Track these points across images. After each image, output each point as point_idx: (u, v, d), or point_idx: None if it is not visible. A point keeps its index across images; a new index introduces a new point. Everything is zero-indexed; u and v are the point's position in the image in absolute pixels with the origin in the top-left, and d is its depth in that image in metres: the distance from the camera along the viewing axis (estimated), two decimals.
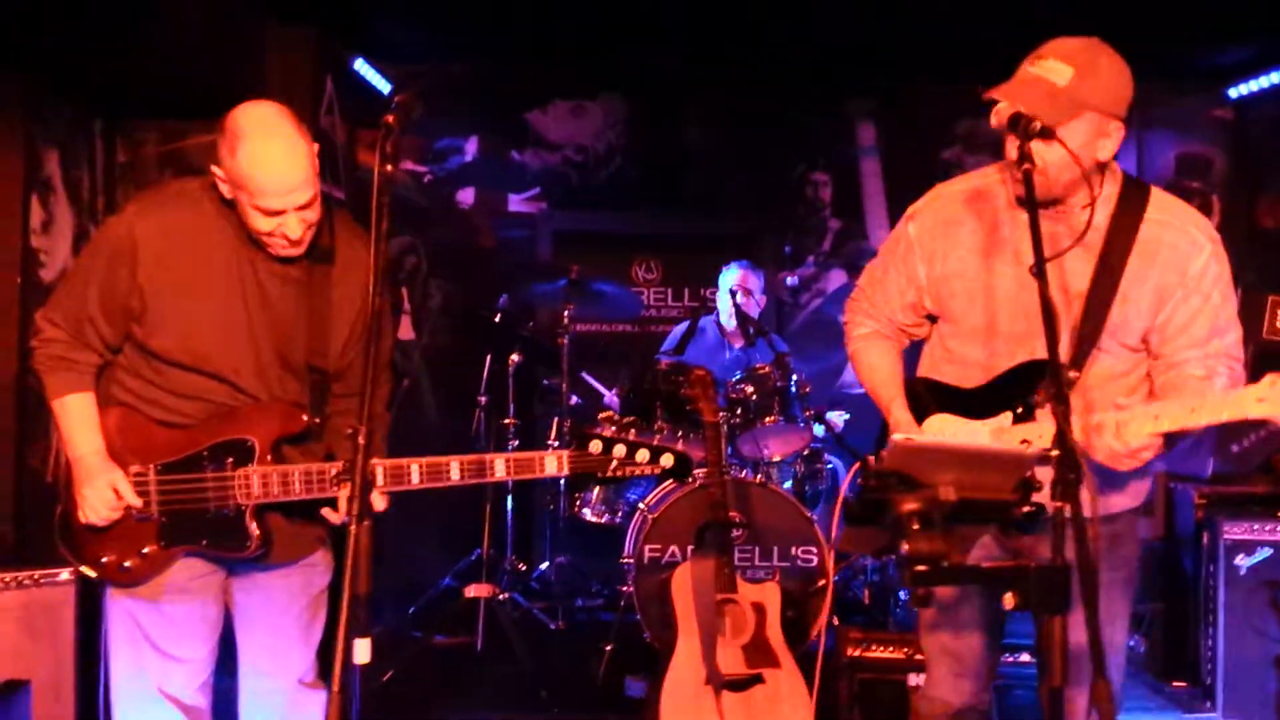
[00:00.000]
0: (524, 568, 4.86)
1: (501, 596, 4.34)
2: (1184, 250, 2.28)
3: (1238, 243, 5.68)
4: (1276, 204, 5.61)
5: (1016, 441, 2.24)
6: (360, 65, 5.11)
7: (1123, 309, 2.28)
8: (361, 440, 1.76)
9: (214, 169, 2.32)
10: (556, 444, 4.53)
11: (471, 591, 4.19)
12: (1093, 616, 1.60)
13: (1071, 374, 2.27)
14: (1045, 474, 1.71)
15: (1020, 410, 2.29)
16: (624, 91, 5.82)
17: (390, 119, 1.93)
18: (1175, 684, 4.13)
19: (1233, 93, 5.51)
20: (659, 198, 5.81)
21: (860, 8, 4.66)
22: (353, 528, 1.70)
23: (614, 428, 2.39)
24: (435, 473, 2.37)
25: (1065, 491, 1.62)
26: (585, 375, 5.03)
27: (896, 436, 1.70)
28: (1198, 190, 5.73)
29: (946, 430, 2.35)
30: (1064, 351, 2.26)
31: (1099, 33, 2.24)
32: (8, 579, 3.48)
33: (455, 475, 2.38)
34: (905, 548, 1.61)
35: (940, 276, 2.43)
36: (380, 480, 2.31)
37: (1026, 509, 1.72)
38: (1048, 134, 2.04)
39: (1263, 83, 5.38)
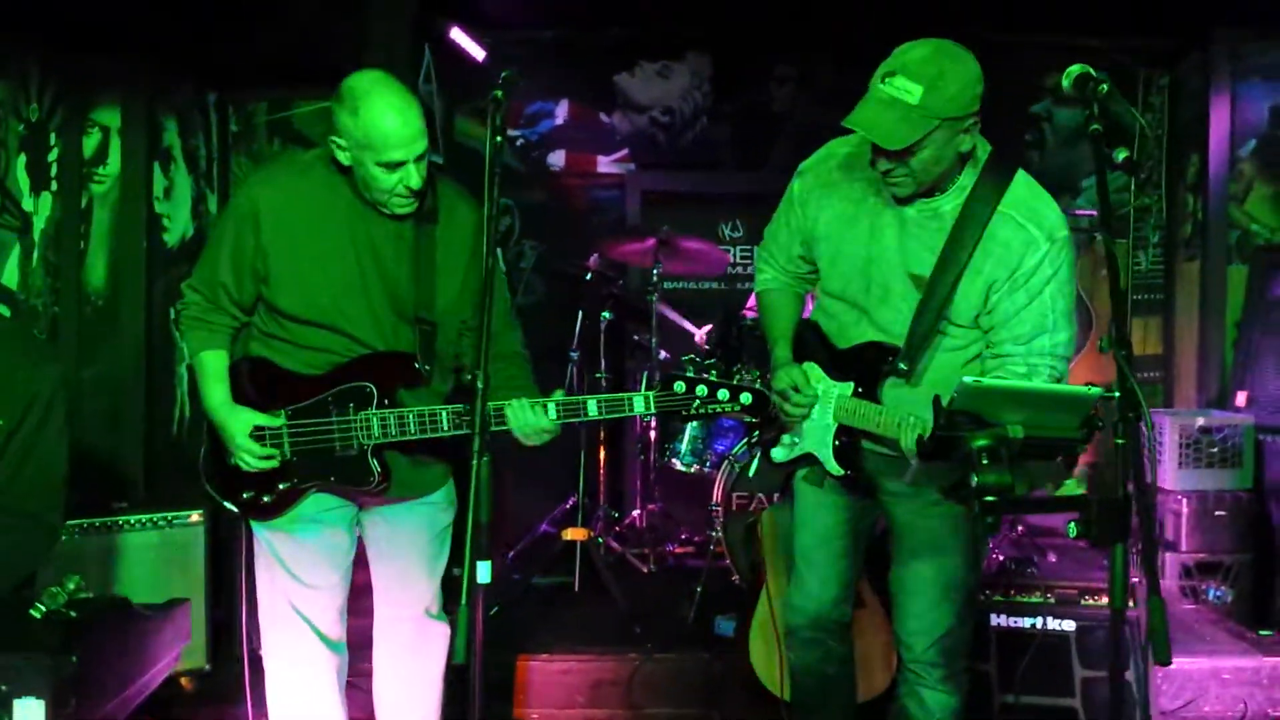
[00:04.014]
0: (617, 514, 5.06)
1: (598, 540, 4.55)
2: (1017, 248, 2.38)
3: None
4: None
5: (851, 410, 2.51)
6: (456, 34, 5.29)
7: (958, 298, 2.44)
8: (480, 385, 1.97)
9: (333, 139, 2.51)
10: None
11: (569, 535, 4.41)
12: (1150, 547, 1.73)
13: (901, 366, 2.50)
14: None
15: (861, 390, 2.54)
16: (710, 51, 5.91)
17: (499, 94, 2.11)
18: (1261, 632, 4.17)
19: None
20: (745, 157, 5.91)
21: None
22: (474, 462, 1.90)
23: (695, 370, 2.58)
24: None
25: (1126, 429, 1.75)
26: (669, 313, 5.16)
27: (966, 379, 1.84)
28: None
29: (813, 379, 2.62)
30: (902, 336, 2.49)
31: None
32: (146, 520, 3.82)
33: (551, 414, 2.56)
34: (975, 481, 1.75)
35: (814, 236, 2.64)
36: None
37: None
38: (910, 151, 2.27)
39: None
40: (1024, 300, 2.39)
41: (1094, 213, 5.75)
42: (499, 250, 5.85)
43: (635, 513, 5.07)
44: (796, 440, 2.68)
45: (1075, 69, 2.10)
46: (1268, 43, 5.50)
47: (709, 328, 5.00)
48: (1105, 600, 3.55)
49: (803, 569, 2.81)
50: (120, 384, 4.57)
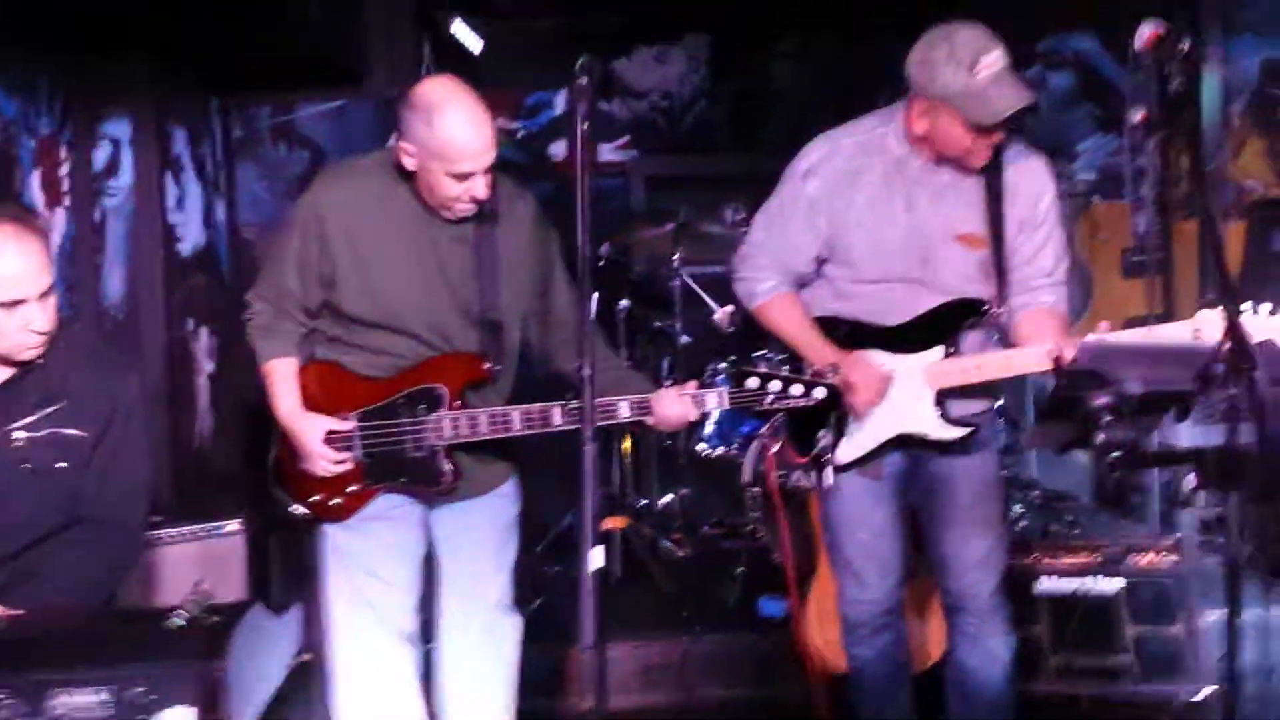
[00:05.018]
0: (645, 501, 5.06)
1: (635, 528, 4.56)
2: (1036, 190, 2.61)
3: None
4: None
5: (953, 370, 2.56)
6: (457, 26, 5.26)
7: (1005, 244, 2.61)
8: (586, 373, 1.98)
9: (402, 144, 2.49)
10: (670, 382, 4.70)
11: (608, 524, 4.42)
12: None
13: (999, 311, 2.60)
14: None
15: (951, 351, 2.60)
16: (709, 31, 5.91)
17: (583, 79, 2.11)
18: None
19: None
20: (745, 139, 5.93)
21: None
22: (587, 449, 1.91)
23: (767, 365, 2.59)
24: (609, 412, 2.56)
25: (1240, 380, 1.78)
26: (693, 284, 5.16)
27: (1090, 337, 1.87)
28: None
29: (875, 361, 2.61)
30: (987, 292, 2.60)
31: None
32: (185, 532, 3.78)
33: (625, 413, 2.59)
34: (1101, 437, 1.79)
35: (842, 227, 2.66)
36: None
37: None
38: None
39: None
40: (1044, 236, 2.63)
41: (1092, 178, 5.82)
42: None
43: (667, 498, 5.07)
44: (881, 423, 2.64)
45: (1146, 29, 2.11)
46: None
47: (730, 308, 5.01)
48: (1151, 557, 3.60)
49: (862, 566, 2.78)
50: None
